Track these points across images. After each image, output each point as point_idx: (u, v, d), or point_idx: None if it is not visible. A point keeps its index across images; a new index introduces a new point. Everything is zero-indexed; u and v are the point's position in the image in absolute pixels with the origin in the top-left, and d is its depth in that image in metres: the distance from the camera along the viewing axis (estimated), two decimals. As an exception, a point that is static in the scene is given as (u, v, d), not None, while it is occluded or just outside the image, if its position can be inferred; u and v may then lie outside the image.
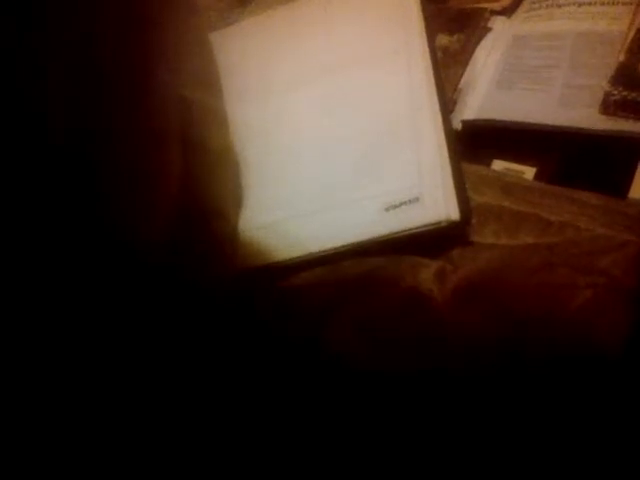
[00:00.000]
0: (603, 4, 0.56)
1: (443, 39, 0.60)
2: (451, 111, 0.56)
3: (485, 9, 0.62)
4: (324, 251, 0.46)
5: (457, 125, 0.55)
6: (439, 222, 0.43)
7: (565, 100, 0.53)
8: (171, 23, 0.41)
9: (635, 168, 0.47)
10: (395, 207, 0.45)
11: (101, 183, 0.32)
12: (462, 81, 0.58)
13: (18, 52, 0.26)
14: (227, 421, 0.38)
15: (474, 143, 0.54)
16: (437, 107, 0.50)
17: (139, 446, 0.36)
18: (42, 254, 0.30)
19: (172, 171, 0.38)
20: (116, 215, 0.33)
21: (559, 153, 0.52)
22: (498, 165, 0.53)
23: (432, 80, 0.52)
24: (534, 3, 0.60)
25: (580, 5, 0.57)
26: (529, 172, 0.52)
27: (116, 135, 0.32)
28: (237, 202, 0.49)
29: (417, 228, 0.44)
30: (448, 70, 0.58)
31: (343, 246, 0.45)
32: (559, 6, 0.58)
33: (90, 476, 0.34)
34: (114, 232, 0.33)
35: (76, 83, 0.29)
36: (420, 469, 0.37)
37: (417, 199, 0.45)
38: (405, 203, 0.45)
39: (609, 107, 0.50)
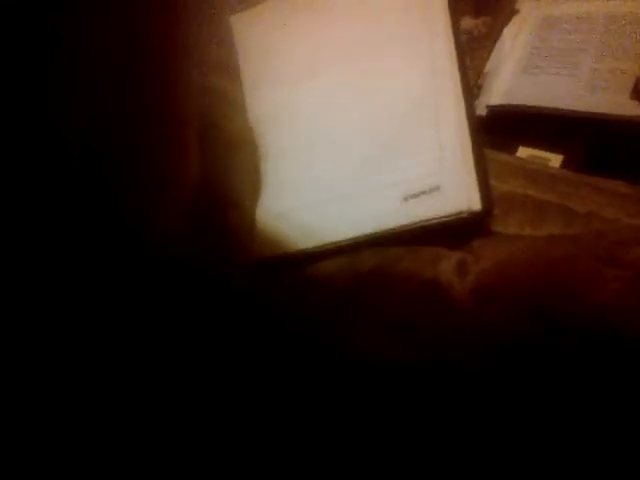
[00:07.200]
0: (636, -16, 0.54)
1: (468, 22, 0.58)
2: (476, 96, 0.55)
3: (513, -10, 0.60)
4: (341, 241, 0.45)
5: (482, 111, 0.54)
6: (460, 212, 0.42)
7: (594, 85, 0.51)
8: (191, 10, 0.41)
9: (666, 156, 0.45)
10: (414, 196, 0.44)
11: (121, 177, 0.31)
12: (488, 65, 0.57)
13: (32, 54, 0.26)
14: (235, 417, 0.38)
15: (499, 129, 0.52)
16: (460, 92, 0.48)
17: (140, 445, 0.36)
18: (63, 251, 0.30)
19: (192, 162, 0.38)
20: (135, 208, 0.33)
21: (587, 140, 0.50)
22: (523, 152, 0.52)
23: (455, 64, 0.50)
24: (564, -17, 0.58)
25: (612, -15, 0.55)
26: (555, 159, 0.51)
27: (137, 129, 0.32)
28: (254, 190, 0.48)
29: (437, 218, 0.43)
30: (473, 54, 0.56)
31: (361, 236, 0.44)
32: (590, -14, 0.56)
33: (90, 476, 0.34)
34: (133, 225, 0.33)
35: (96, 79, 0.29)
36: (430, 460, 0.36)
37: (437, 188, 0.44)
38: (425, 192, 0.44)
39: (640, 92, 0.48)
